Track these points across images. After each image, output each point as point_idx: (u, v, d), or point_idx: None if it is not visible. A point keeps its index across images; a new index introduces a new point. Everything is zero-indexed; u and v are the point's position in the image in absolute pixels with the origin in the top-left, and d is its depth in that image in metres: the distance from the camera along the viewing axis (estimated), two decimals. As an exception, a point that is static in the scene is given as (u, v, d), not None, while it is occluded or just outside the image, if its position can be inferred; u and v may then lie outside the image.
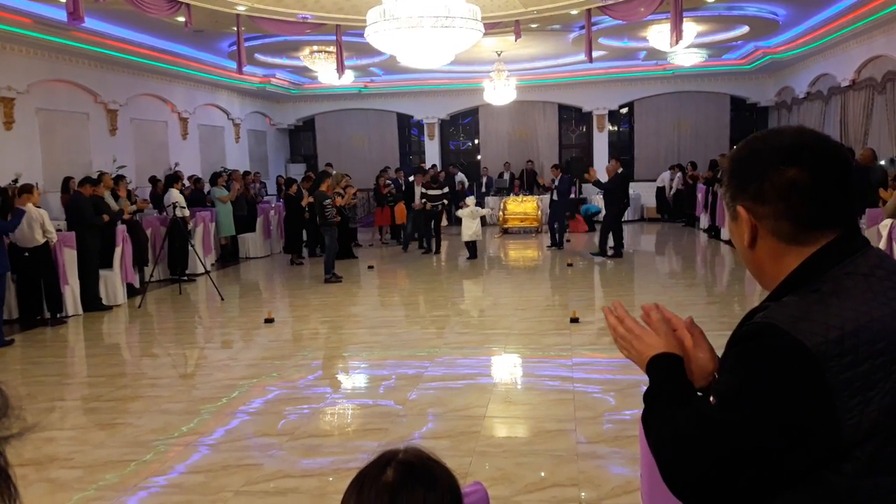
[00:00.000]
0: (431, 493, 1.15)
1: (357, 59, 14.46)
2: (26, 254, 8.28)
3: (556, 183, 13.75)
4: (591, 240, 15.17)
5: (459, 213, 13.41)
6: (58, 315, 8.63)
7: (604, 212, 13.49)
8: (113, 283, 9.51)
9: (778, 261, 1.24)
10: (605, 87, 18.53)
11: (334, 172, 13.48)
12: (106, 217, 9.31)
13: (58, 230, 8.78)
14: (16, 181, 9.28)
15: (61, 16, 8.25)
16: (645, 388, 1.33)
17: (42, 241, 8.33)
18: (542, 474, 4.01)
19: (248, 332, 7.94)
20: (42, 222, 8.30)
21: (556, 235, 13.80)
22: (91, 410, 5.45)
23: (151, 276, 10.54)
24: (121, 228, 9.67)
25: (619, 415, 4.90)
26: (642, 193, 18.41)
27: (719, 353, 1.30)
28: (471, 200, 13.08)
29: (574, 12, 10.82)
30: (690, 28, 11.59)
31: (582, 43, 11.46)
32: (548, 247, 13.88)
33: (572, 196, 15.73)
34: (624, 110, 19.53)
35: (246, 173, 15.34)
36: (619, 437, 4.47)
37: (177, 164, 14.21)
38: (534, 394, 5.53)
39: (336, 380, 6.26)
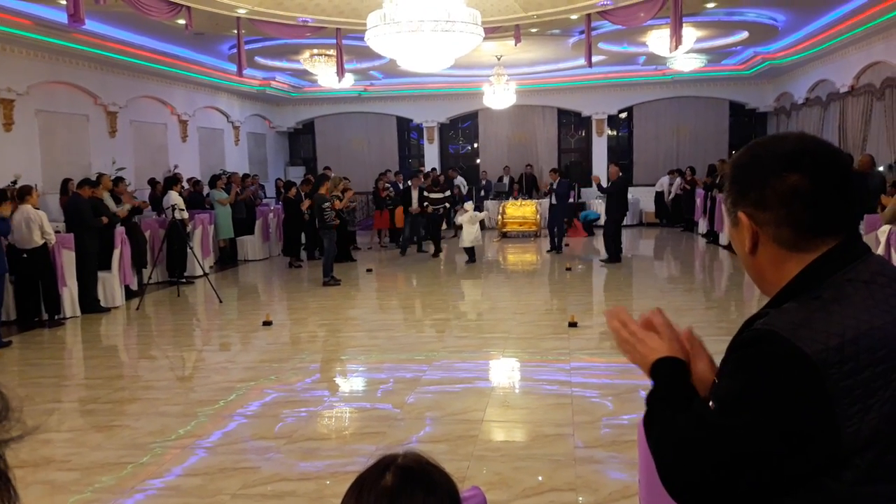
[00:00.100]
0: (430, 497, 1.15)
1: (357, 62, 14.47)
2: (24, 255, 8.27)
3: (555, 187, 13.76)
4: (591, 244, 15.22)
5: (458, 219, 13.41)
6: (56, 317, 8.62)
7: (604, 217, 13.49)
8: (111, 285, 9.50)
9: (779, 267, 1.24)
10: (605, 92, 18.54)
11: (332, 175, 13.48)
12: (105, 219, 9.30)
13: (56, 232, 8.77)
14: (15, 182, 9.27)
15: (62, 18, 8.24)
16: (643, 392, 1.32)
17: (40, 242, 8.32)
18: (540, 479, 4.00)
19: (246, 334, 7.94)
20: (41, 224, 8.30)
21: (555, 239, 13.80)
22: (88, 412, 5.44)
23: (150, 278, 10.54)
24: (119, 230, 9.66)
25: (617, 419, 4.89)
26: (641, 198, 18.41)
27: (718, 359, 1.30)
28: (469, 206, 13.12)
29: (574, 17, 10.84)
30: (690, 33, 11.60)
31: (581, 48, 11.49)
32: (547, 251, 13.88)
33: (571, 200, 15.73)
34: (623, 115, 19.54)
35: (245, 176, 15.33)
36: (617, 442, 4.46)
37: (176, 167, 14.20)
38: (532, 398, 5.52)
39: (334, 383, 6.26)
